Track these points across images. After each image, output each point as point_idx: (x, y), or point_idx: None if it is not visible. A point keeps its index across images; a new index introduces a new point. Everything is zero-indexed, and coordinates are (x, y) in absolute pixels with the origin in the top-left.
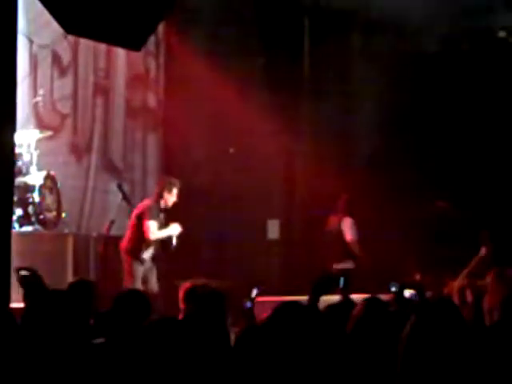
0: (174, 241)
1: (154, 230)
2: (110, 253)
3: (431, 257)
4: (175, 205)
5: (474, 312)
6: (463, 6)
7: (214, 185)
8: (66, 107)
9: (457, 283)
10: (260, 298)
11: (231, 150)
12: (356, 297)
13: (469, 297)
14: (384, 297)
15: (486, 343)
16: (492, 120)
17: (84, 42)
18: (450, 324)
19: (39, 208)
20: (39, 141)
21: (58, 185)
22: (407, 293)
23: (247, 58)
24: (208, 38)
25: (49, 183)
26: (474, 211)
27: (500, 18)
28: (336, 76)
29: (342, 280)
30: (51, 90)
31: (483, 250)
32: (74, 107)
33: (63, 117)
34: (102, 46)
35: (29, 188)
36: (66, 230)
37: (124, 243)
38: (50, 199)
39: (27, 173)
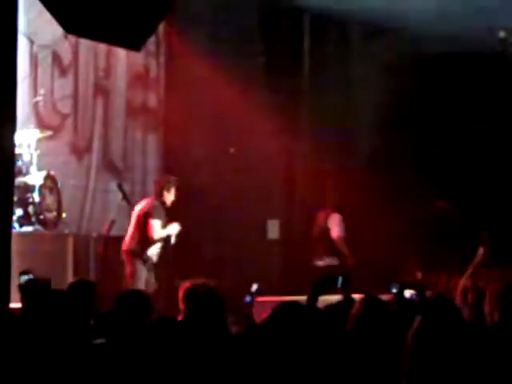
0: (173, 239)
1: (158, 229)
2: (110, 253)
3: (431, 257)
4: (175, 204)
5: (475, 313)
6: (463, 6)
7: (214, 185)
8: (66, 107)
9: (460, 284)
10: (260, 298)
11: (231, 150)
12: (357, 296)
13: (470, 298)
14: (385, 297)
15: (487, 344)
16: (492, 120)
17: (84, 42)
18: (453, 325)
19: (39, 208)
20: (39, 141)
21: (59, 185)
22: (407, 293)
23: (247, 57)
24: (208, 38)
25: (49, 183)
26: (473, 211)
27: (500, 17)
28: (336, 76)
29: (340, 279)
30: (52, 90)
31: (481, 250)
32: (75, 107)
33: (63, 117)
34: (103, 46)
35: (29, 188)
36: (66, 231)
37: (127, 243)
38: (50, 199)
39: (27, 173)
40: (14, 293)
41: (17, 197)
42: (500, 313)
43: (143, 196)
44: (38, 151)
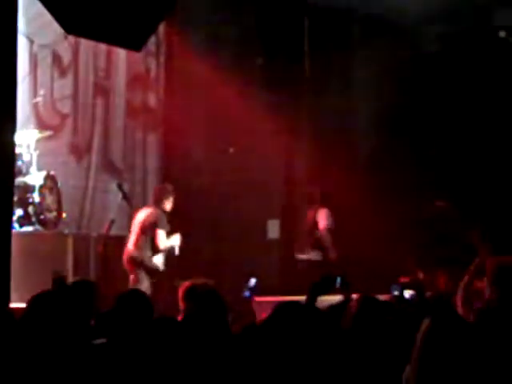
0: (177, 250)
1: (163, 239)
2: (110, 253)
3: (431, 257)
4: (175, 204)
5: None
6: (463, 6)
7: (214, 184)
8: (66, 107)
9: (461, 283)
10: (260, 298)
11: (231, 150)
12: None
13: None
14: (384, 297)
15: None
16: (492, 120)
17: (84, 42)
18: (457, 326)
19: (39, 208)
20: (39, 141)
21: (59, 185)
22: (407, 293)
23: (247, 57)
24: (208, 39)
25: (49, 183)
26: (473, 211)
27: (500, 17)
28: (336, 76)
29: (338, 279)
30: (51, 90)
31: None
32: (75, 107)
33: (63, 117)
34: (103, 46)
35: (29, 188)
36: (66, 230)
37: (130, 251)
38: (50, 199)
39: (27, 173)
40: (14, 293)
41: (17, 197)
42: (497, 293)
43: (143, 196)
44: (38, 151)
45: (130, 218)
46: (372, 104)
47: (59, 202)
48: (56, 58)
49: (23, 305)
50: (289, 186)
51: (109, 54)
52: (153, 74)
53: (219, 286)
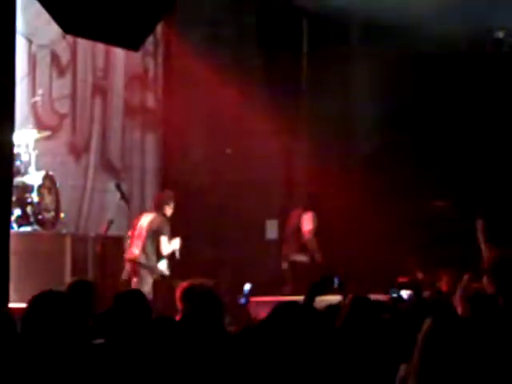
0: (178, 254)
1: (166, 245)
2: (108, 253)
3: (431, 256)
4: (174, 205)
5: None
6: (463, 6)
7: (213, 184)
8: (64, 107)
9: (461, 283)
10: (260, 298)
11: (228, 151)
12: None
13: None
14: (384, 297)
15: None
16: (491, 120)
17: (83, 42)
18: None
19: (38, 208)
20: (38, 141)
21: (57, 185)
22: (404, 293)
23: (246, 58)
24: (207, 39)
25: (47, 183)
26: (473, 211)
27: (499, 17)
28: (335, 76)
29: (336, 280)
30: (50, 90)
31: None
32: (73, 107)
33: (62, 117)
34: (101, 46)
35: (27, 188)
36: (64, 230)
37: (136, 255)
38: (48, 199)
39: (26, 173)
40: (12, 293)
41: (15, 197)
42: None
43: (142, 196)
44: (37, 151)
45: (129, 218)
46: (371, 104)
47: (58, 202)
48: (54, 58)
49: (22, 305)
50: (288, 187)
51: (107, 54)
52: (151, 73)
53: (218, 286)
